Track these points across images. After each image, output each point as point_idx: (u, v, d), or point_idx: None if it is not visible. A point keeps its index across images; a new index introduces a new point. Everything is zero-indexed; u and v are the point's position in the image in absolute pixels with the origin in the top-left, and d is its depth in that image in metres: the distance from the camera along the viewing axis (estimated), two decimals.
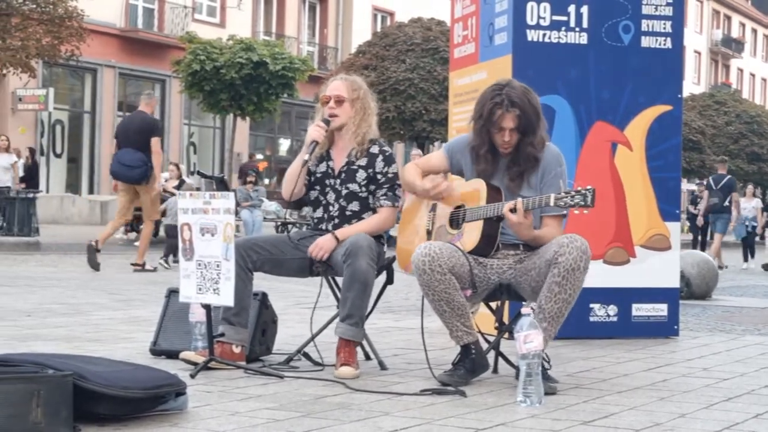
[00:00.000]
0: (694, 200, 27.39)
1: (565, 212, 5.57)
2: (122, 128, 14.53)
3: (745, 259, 23.61)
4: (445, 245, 5.51)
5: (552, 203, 5.31)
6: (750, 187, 28.37)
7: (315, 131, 6.09)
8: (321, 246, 5.96)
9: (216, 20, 40.69)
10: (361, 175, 6.11)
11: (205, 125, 41.00)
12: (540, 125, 5.62)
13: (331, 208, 6.16)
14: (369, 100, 6.22)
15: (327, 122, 6.13)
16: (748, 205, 25.81)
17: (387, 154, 6.15)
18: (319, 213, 6.22)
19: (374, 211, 6.12)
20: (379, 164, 6.11)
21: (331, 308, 6.34)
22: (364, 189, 6.11)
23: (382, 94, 30.83)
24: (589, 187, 5.26)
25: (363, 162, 6.12)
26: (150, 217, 14.46)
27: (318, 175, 6.22)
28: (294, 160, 6.23)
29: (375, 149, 6.14)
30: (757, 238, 25.71)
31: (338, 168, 6.16)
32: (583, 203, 5.23)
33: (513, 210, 5.35)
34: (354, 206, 6.11)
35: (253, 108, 30.51)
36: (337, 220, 6.12)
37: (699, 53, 71.27)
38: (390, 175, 6.09)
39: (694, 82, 67.03)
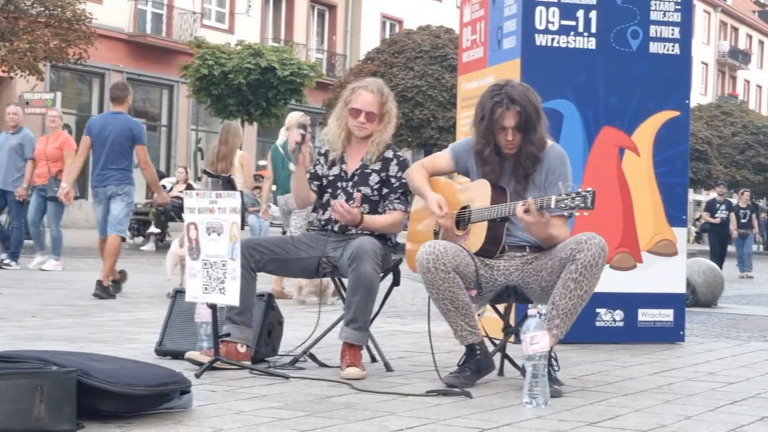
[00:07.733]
0: (713, 208, 24.26)
1: (566, 213, 5.44)
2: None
3: None
4: (450, 244, 5.49)
5: (553, 205, 5.29)
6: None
7: (295, 137, 6.14)
8: (347, 212, 5.91)
9: (225, 26, 40.70)
10: (374, 178, 6.11)
11: (212, 130, 40.90)
12: (540, 123, 5.59)
13: None
14: (393, 108, 6.23)
15: (304, 127, 6.17)
16: None
17: (401, 159, 6.17)
18: (327, 215, 6.20)
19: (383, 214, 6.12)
20: (393, 168, 6.12)
21: (337, 311, 6.33)
22: (376, 193, 6.11)
23: None
24: (589, 189, 5.24)
25: (377, 166, 6.12)
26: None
27: (330, 178, 6.21)
28: (293, 175, 6.29)
29: (389, 153, 6.15)
30: None
31: (351, 171, 6.16)
32: (583, 205, 5.21)
33: (527, 210, 5.33)
34: (364, 209, 6.10)
35: (260, 113, 30.52)
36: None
37: (706, 64, 71.24)
38: (404, 181, 6.09)
39: (701, 93, 66.93)
